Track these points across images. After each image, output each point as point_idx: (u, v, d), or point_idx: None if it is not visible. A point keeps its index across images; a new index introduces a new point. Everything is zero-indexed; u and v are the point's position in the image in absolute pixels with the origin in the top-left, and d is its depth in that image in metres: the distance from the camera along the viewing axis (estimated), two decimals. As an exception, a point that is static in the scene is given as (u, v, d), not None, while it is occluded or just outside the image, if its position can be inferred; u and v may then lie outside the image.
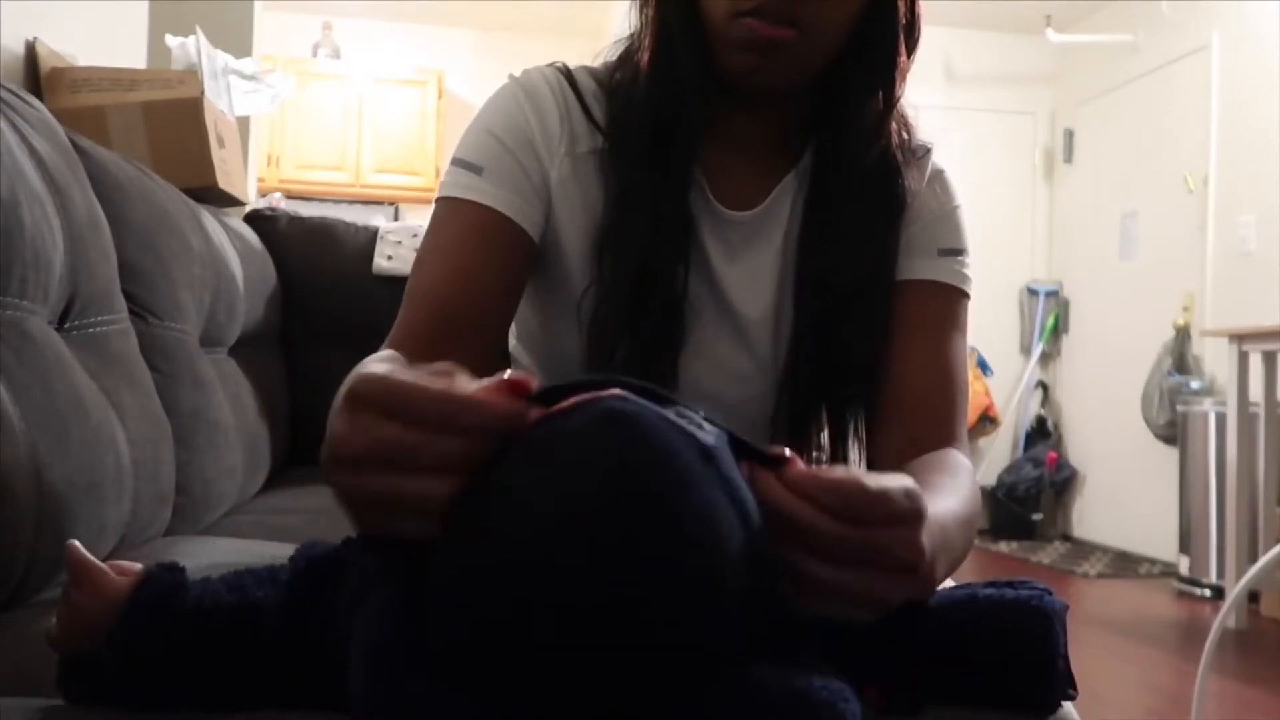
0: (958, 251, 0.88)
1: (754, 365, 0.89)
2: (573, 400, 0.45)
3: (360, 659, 0.46)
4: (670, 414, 0.44)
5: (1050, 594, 0.57)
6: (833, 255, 0.85)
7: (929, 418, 0.82)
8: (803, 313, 0.86)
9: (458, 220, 0.83)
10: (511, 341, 1.03)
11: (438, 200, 0.86)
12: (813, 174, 0.87)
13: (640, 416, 0.43)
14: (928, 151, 0.91)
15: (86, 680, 0.55)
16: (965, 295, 0.88)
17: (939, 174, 0.91)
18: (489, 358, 0.81)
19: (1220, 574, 3.54)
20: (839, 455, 0.87)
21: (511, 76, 0.91)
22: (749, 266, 0.88)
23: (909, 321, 0.85)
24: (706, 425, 0.46)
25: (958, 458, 0.78)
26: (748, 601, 0.43)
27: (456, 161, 0.86)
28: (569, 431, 0.43)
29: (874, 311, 0.85)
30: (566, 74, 0.89)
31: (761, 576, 0.44)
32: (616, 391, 0.45)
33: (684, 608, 0.41)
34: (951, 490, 0.67)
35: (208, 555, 0.97)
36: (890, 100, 0.84)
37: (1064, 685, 0.57)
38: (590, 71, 0.90)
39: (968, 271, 0.89)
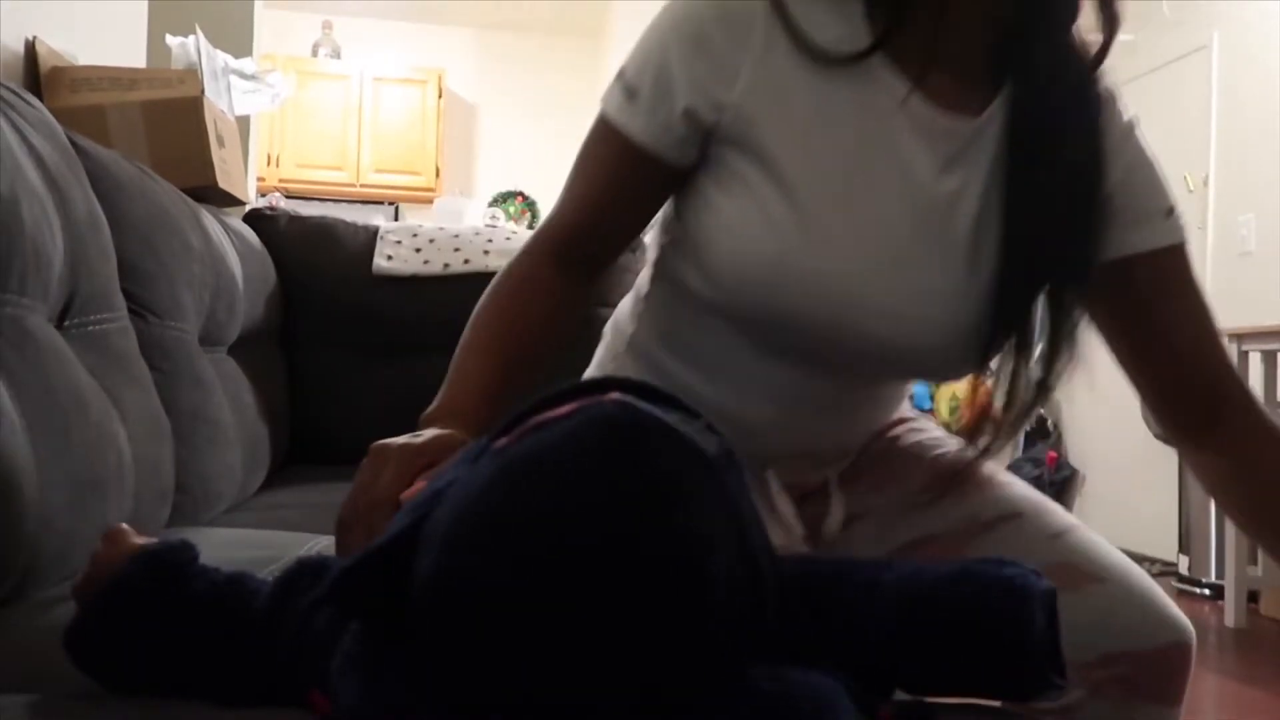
0: (1174, 207, 0.87)
1: (955, 280, 0.83)
2: (571, 405, 0.44)
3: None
4: (673, 420, 0.43)
5: (1038, 575, 0.53)
6: (1041, 178, 0.82)
7: (1212, 382, 0.85)
8: (1013, 228, 0.82)
9: (608, 147, 0.85)
10: (640, 342, 0.97)
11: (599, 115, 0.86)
12: (1012, 107, 0.83)
13: (637, 424, 0.42)
14: (1112, 96, 0.88)
15: (90, 640, 0.57)
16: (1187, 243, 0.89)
17: (1132, 129, 0.88)
18: (616, 256, 0.91)
19: (1220, 573, 3.54)
20: (1057, 360, 0.85)
21: None
22: (960, 180, 0.82)
23: (1171, 290, 0.86)
24: (708, 432, 0.45)
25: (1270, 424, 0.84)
26: (743, 611, 0.43)
27: (620, 75, 0.84)
28: (564, 436, 0.42)
29: (1084, 228, 0.82)
30: None
31: (759, 586, 0.44)
32: (615, 396, 0.44)
33: (671, 618, 0.41)
34: None
35: (207, 545, 0.97)
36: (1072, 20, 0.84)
37: (1046, 672, 0.52)
38: None
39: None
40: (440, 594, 0.42)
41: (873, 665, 0.53)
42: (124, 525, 0.62)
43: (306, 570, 0.58)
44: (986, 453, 0.90)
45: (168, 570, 0.58)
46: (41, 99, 1.46)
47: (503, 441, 0.46)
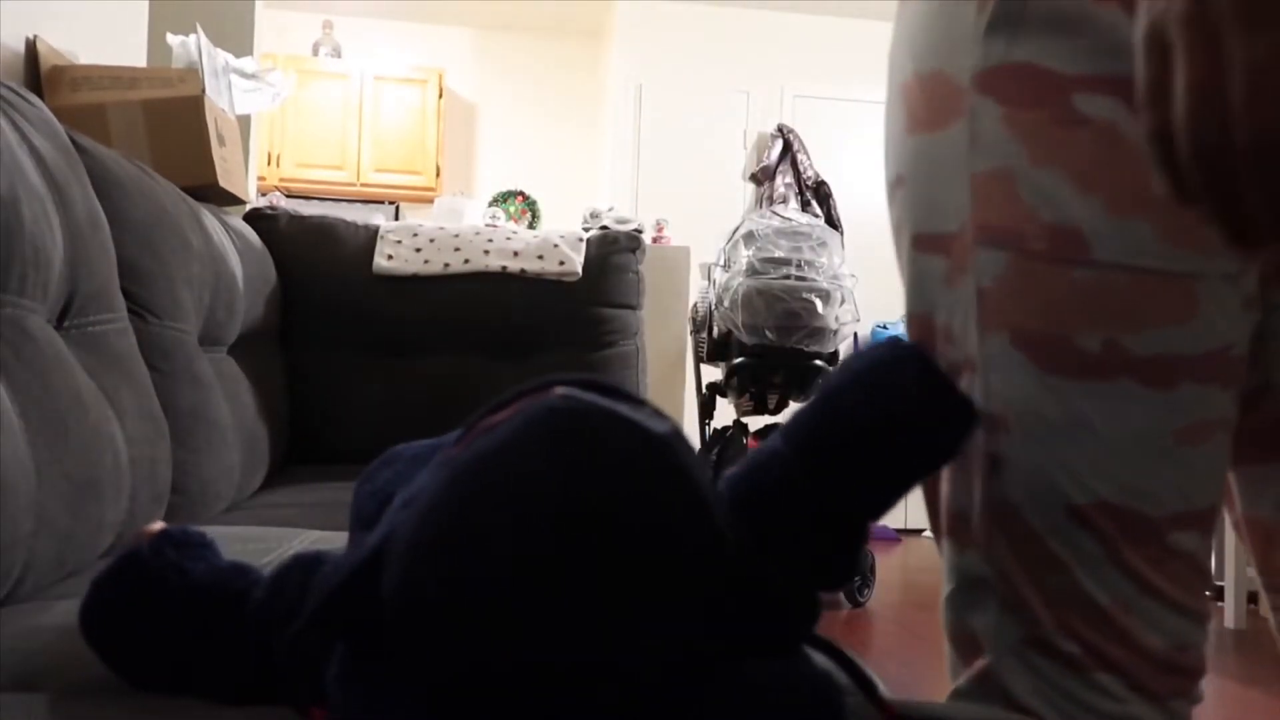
0: None
1: None
2: (514, 407, 0.44)
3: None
4: (620, 408, 0.43)
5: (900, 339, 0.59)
6: None
7: None
8: None
9: None
10: None
11: None
12: None
13: (579, 412, 0.42)
14: None
15: (99, 616, 0.59)
16: None
17: None
18: None
19: (1219, 574, 3.53)
20: None
21: None
22: None
23: None
24: (656, 417, 0.45)
25: None
26: (711, 589, 0.43)
27: None
28: (507, 435, 0.42)
29: None
30: None
31: (725, 563, 0.43)
32: (560, 390, 0.44)
33: (632, 601, 0.40)
34: None
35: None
36: None
37: (961, 414, 0.57)
38: None
39: None
40: (403, 607, 0.42)
41: (806, 496, 0.54)
42: (161, 524, 0.63)
43: (301, 566, 0.58)
44: None
45: (174, 548, 0.59)
46: (42, 98, 1.46)
47: (454, 450, 0.46)
